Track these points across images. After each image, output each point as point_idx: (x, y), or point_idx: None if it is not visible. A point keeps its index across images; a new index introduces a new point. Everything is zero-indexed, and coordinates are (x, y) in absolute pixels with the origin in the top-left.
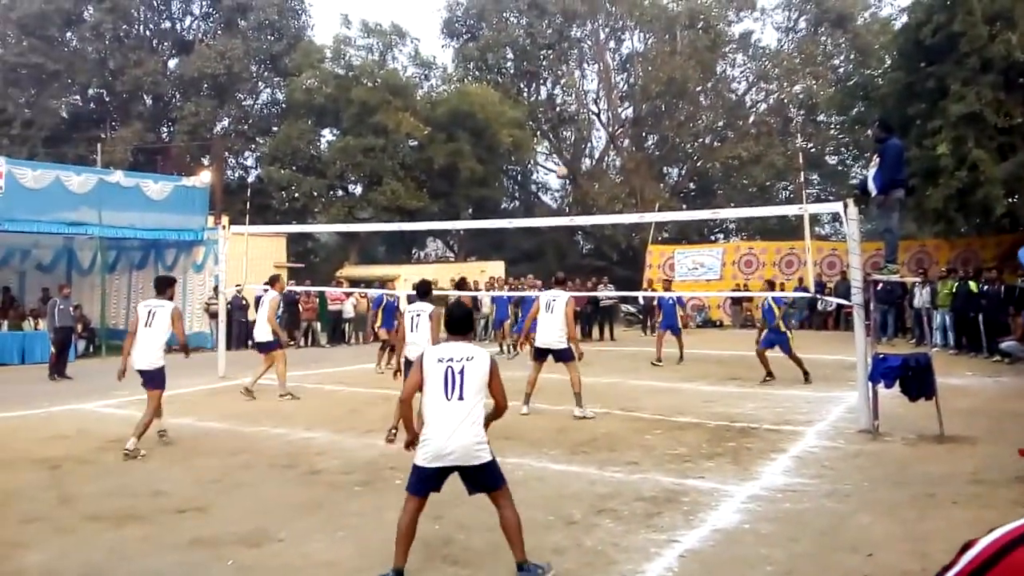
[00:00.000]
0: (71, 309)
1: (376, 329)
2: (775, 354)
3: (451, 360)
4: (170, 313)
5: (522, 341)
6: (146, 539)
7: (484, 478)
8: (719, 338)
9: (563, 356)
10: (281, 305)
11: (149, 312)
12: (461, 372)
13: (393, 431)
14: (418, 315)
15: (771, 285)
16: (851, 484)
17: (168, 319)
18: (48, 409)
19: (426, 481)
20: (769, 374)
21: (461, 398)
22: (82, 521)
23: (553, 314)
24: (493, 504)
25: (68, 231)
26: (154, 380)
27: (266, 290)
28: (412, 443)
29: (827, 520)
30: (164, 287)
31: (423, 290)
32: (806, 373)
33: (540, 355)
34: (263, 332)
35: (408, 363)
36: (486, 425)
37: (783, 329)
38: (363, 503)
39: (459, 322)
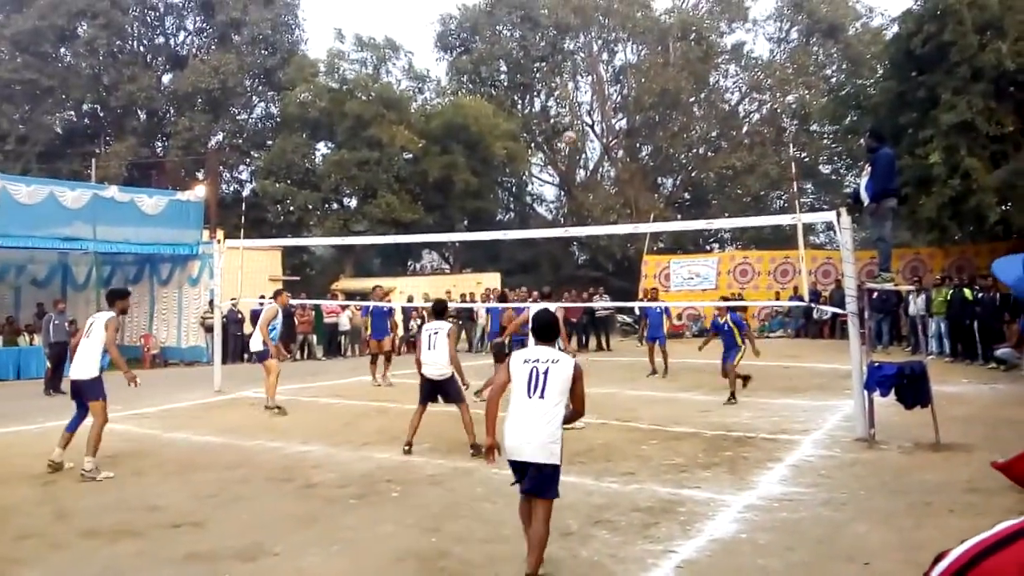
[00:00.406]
0: (66, 324)
1: (367, 339)
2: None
3: (536, 361)
4: (103, 322)
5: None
6: (141, 554)
7: (543, 479)
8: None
9: None
10: (279, 316)
11: (90, 323)
12: (545, 373)
13: (408, 446)
14: (435, 333)
15: (725, 300)
16: (847, 493)
17: (102, 329)
18: (43, 424)
19: (515, 474)
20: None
21: (542, 397)
22: (77, 537)
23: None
24: (532, 510)
25: (63, 246)
26: (92, 390)
27: (269, 301)
28: (491, 449)
29: (824, 529)
30: (112, 300)
31: (439, 309)
32: (733, 395)
33: None
34: (256, 341)
35: (427, 381)
36: (564, 424)
37: (740, 343)
38: (359, 516)
39: (544, 328)
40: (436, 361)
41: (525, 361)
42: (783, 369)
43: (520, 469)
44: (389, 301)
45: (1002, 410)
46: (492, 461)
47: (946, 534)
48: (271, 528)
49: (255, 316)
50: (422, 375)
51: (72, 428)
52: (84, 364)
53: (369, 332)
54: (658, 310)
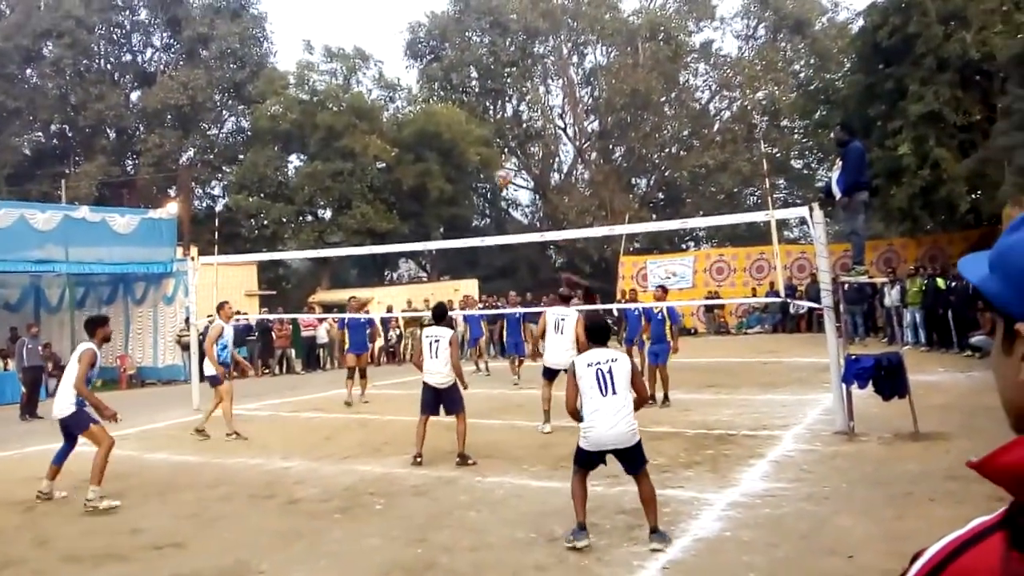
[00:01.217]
0: (39, 348)
1: (344, 353)
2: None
3: (599, 363)
4: (77, 356)
5: (532, 355)
6: None
7: (636, 457)
8: (693, 346)
9: None
10: (226, 333)
11: (73, 356)
12: (610, 372)
13: (418, 457)
14: (437, 341)
15: (664, 290)
16: (829, 486)
17: (75, 364)
18: (22, 450)
19: (589, 460)
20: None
21: (615, 393)
22: (60, 563)
23: (563, 334)
24: (635, 480)
25: (35, 269)
26: (78, 424)
27: (211, 319)
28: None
29: (807, 524)
30: (92, 329)
31: (440, 313)
32: (654, 397)
33: (550, 374)
34: (207, 367)
35: (429, 389)
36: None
37: (669, 340)
38: (344, 530)
39: (599, 332)
40: (439, 370)
41: (589, 365)
42: (762, 365)
43: (598, 457)
44: (367, 312)
45: (979, 397)
46: None
47: (928, 523)
48: (255, 546)
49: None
50: (424, 383)
51: (58, 461)
52: (61, 401)
53: (347, 346)
54: (635, 312)
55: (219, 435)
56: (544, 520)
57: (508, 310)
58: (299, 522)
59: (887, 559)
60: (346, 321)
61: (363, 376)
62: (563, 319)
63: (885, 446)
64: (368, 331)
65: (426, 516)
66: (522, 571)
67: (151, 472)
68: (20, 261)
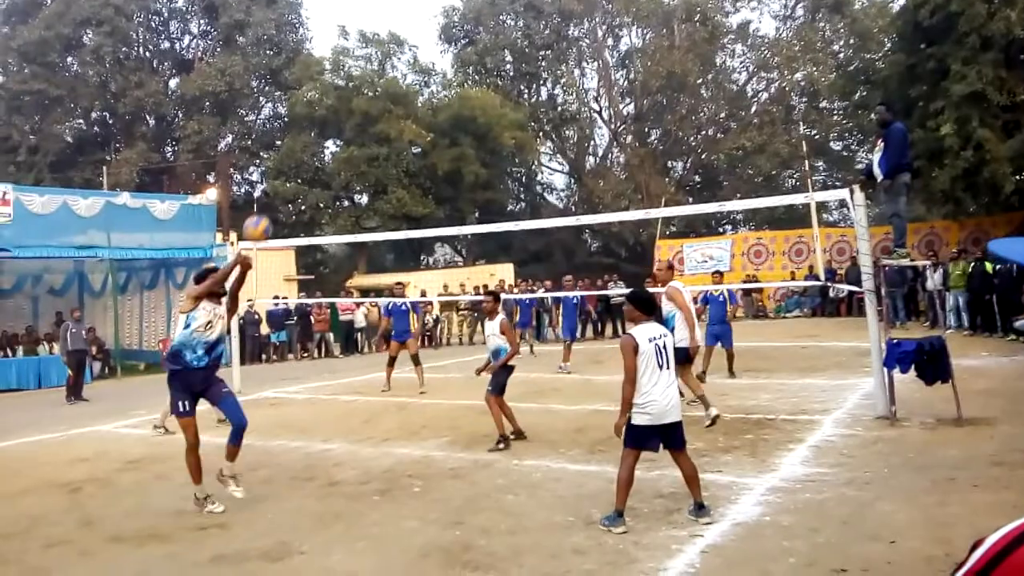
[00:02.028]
0: (83, 332)
1: (386, 338)
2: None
3: (656, 338)
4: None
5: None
6: (169, 558)
7: (680, 431)
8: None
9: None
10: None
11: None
12: (664, 347)
13: (500, 443)
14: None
15: (720, 275)
16: (871, 471)
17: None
18: (67, 432)
19: (647, 438)
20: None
21: (669, 367)
22: (105, 543)
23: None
24: (675, 460)
25: (78, 255)
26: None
27: (251, 303)
28: (620, 428)
29: (848, 509)
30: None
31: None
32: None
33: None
34: None
35: (510, 369)
36: None
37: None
38: (383, 512)
39: (650, 304)
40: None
41: (650, 340)
42: (801, 349)
43: (657, 432)
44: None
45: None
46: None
47: (971, 510)
48: (296, 527)
49: (271, 317)
50: (511, 365)
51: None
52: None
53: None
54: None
55: (264, 418)
56: (582, 503)
57: (565, 293)
58: (338, 504)
59: (929, 545)
60: (388, 307)
61: (416, 363)
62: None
63: (928, 431)
64: (414, 317)
65: (464, 499)
66: (560, 554)
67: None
68: (64, 247)
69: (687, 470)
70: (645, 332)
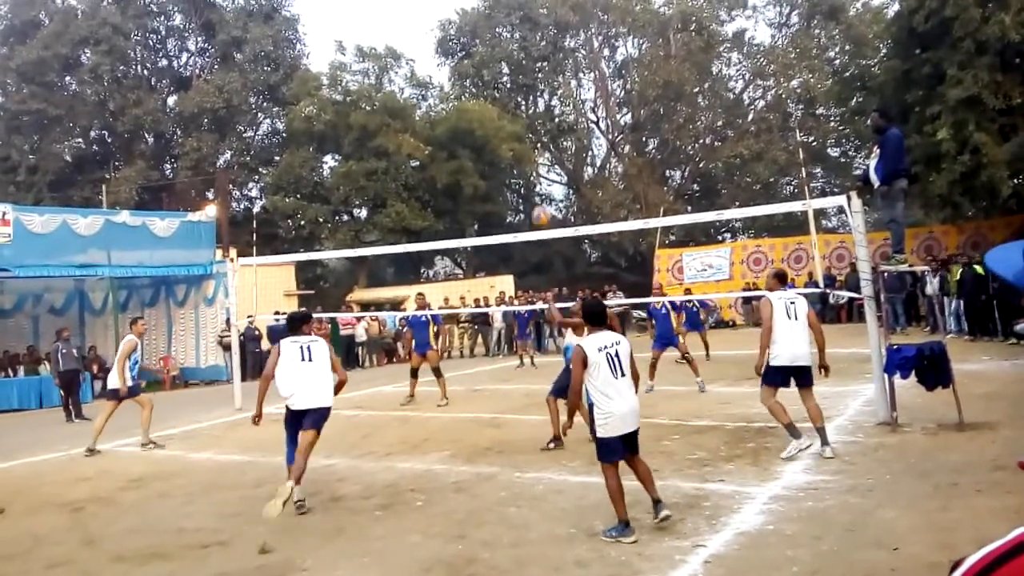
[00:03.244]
0: (74, 351)
1: (410, 351)
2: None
3: (607, 346)
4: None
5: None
6: None
7: (636, 439)
8: (733, 338)
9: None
10: (139, 348)
11: (308, 347)
12: (617, 354)
13: (551, 443)
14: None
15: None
16: (873, 478)
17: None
18: (68, 452)
19: (617, 449)
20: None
21: (624, 375)
22: (107, 563)
23: (798, 320)
24: (629, 463)
25: (78, 273)
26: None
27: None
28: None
29: (851, 516)
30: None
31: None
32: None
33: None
34: (112, 378)
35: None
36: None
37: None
38: (386, 527)
39: (599, 314)
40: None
41: (599, 349)
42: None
43: (623, 443)
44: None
45: None
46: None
47: (974, 515)
48: (299, 543)
49: (272, 333)
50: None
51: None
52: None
53: (414, 345)
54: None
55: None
56: (584, 515)
57: (566, 304)
58: (342, 519)
59: (933, 551)
60: (409, 319)
61: (438, 376)
62: (793, 303)
63: (929, 437)
64: (434, 329)
65: (466, 512)
66: (563, 566)
67: (195, 471)
68: (64, 266)
69: (643, 472)
70: (595, 342)
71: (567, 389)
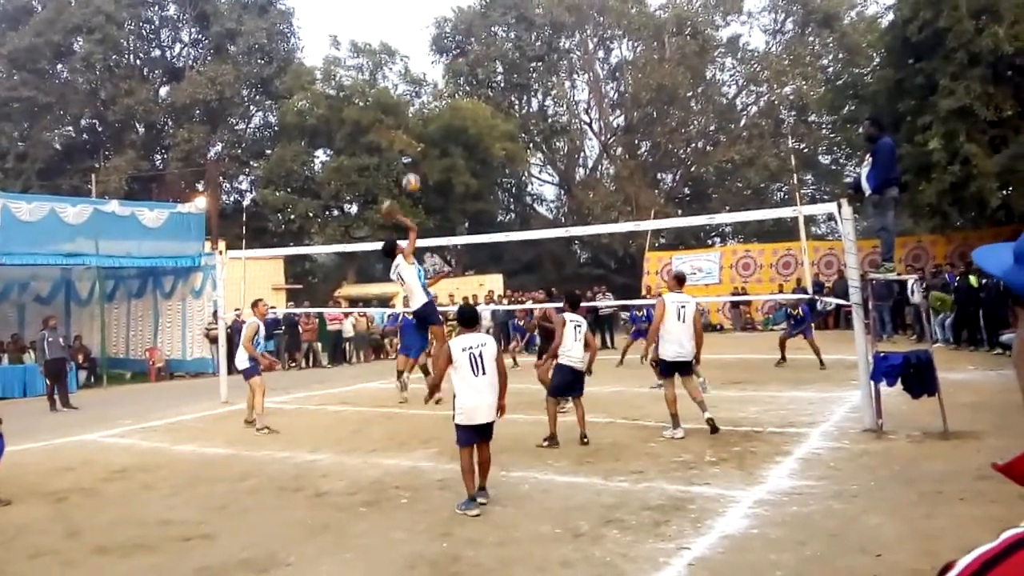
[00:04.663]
0: (60, 339)
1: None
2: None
3: (471, 347)
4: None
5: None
6: (154, 569)
7: (489, 430)
8: (720, 342)
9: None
10: (261, 330)
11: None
12: (480, 355)
13: (545, 441)
14: (579, 327)
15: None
16: (858, 484)
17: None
18: (52, 441)
19: (471, 436)
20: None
21: (484, 373)
22: (90, 554)
23: (684, 322)
24: (478, 450)
25: (65, 262)
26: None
27: (239, 313)
28: (432, 392)
29: (835, 522)
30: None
31: (575, 301)
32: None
33: (670, 370)
34: (241, 358)
35: (570, 371)
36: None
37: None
38: (370, 523)
39: (469, 318)
40: (580, 355)
41: (463, 349)
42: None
43: (476, 429)
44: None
45: (1010, 395)
46: (429, 401)
47: (958, 523)
48: (283, 538)
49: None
50: (566, 366)
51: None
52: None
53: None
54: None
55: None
56: (569, 515)
57: (555, 305)
58: (326, 515)
59: (916, 558)
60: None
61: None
62: (683, 306)
63: (914, 444)
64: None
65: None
66: (548, 566)
67: (180, 464)
68: (51, 254)
69: (485, 458)
70: (461, 343)
71: (561, 388)
